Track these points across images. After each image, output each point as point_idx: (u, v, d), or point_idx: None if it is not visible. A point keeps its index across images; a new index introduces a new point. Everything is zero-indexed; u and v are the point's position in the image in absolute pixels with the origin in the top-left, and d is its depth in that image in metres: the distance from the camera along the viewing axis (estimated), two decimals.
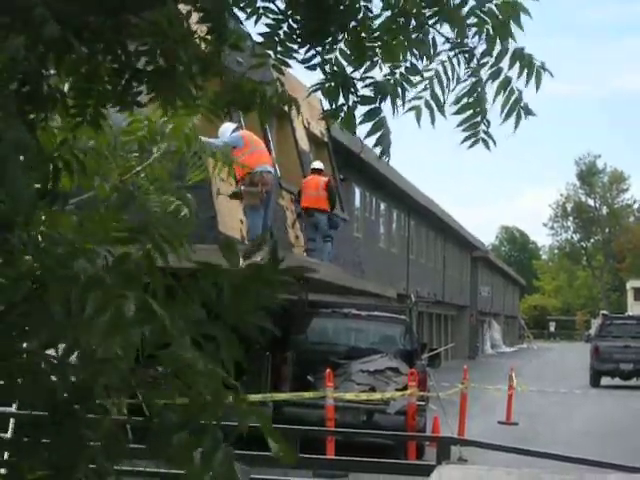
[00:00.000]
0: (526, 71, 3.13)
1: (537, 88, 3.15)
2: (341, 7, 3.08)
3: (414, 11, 3.12)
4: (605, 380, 34.33)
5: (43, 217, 2.52)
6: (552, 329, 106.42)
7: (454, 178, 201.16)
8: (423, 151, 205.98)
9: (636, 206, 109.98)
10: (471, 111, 3.19)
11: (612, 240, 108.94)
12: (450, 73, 3.19)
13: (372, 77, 3.23)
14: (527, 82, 3.14)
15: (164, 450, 2.15)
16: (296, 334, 16.57)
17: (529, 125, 3.25)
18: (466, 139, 3.22)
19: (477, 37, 3.15)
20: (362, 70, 3.24)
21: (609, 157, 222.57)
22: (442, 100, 3.20)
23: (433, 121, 3.22)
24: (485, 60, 3.16)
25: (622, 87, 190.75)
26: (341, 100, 3.25)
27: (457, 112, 3.20)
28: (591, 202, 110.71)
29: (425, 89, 3.21)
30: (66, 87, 2.98)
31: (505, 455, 9.02)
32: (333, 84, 3.21)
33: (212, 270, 2.22)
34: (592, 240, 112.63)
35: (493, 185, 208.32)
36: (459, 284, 55.39)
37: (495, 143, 3.23)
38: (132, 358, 2.17)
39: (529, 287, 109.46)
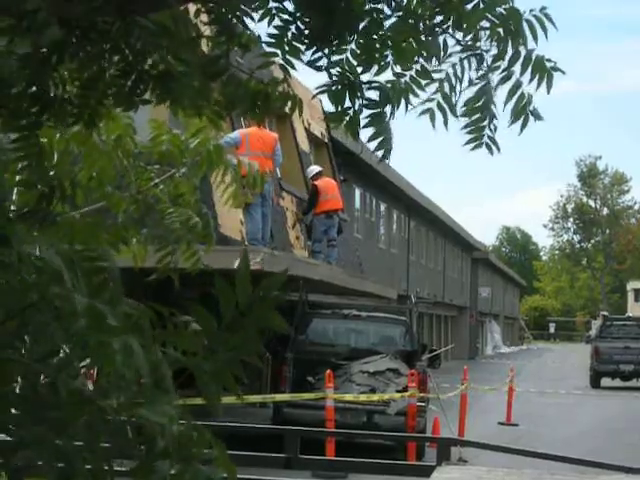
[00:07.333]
0: (538, 75, 3.11)
1: (548, 91, 3.14)
2: (349, 9, 3.07)
3: (425, 14, 3.11)
4: (605, 381, 34.32)
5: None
6: (552, 330, 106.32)
7: (454, 179, 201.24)
8: (423, 151, 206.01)
9: (637, 207, 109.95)
10: (479, 114, 3.18)
11: (612, 241, 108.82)
12: (460, 76, 3.17)
13: (378, 81, 3.22)
14: (538, 85, 3.13)
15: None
16: (296, 335, 16.56)
17: (529, 125, 3.25)
18: (470, 141, 3.21)
19: (489, 41, 3.14)
20: (372, 73, 3.22)
21: (610, 158, 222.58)
22: (454, 102, 3.19)
23: (446, 123, 3.20)
24: (497, 64, 3.15)
25: (623, 86, 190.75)
26: (347, 103, 3.23)
27: (465, 114, 3.18)
28: (592, 203, 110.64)
29: (436, 91, 3.19)
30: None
31: (505, 456, 9.02)
32: (340, 87, 3.19)
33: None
34: (592, 241, 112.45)
35: (494, 186, 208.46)
36: (459, 285, 55.38)
37: (499, 149, 3.21)
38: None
39: (529, 288, 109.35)
